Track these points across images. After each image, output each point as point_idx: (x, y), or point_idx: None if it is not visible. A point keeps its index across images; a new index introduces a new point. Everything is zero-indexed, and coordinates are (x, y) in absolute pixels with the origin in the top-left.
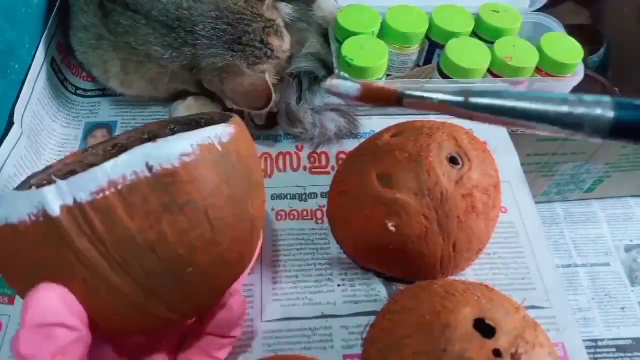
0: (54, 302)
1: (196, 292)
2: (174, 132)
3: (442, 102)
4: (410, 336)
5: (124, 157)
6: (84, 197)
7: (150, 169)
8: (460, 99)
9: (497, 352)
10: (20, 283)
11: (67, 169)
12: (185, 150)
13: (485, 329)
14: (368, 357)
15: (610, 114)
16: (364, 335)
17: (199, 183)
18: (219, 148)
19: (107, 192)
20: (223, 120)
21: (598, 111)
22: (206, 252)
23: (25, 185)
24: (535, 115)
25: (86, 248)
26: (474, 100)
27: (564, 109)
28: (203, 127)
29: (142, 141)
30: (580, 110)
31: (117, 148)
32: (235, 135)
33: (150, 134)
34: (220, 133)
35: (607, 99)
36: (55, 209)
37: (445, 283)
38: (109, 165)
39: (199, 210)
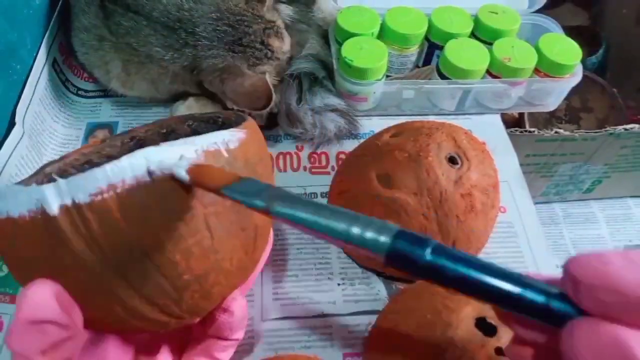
0: (47, 298)
1: (192, 298)
2: (191, 128)
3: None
4: (412, 336)
5: (125, 160)
6: (82, 198)
7: (150, 174)
8: (264, 205)
9: (498, 350)
10: (20, 276)
11: (84, 159)
12: (189, 156)
13: (486, 327)
14: (370, 357)
15: (388, 241)
16: (365, 335)
17: (201, 190)
18: (225, 154)
19: (105, 195)
20: (238, 121)
21: (381, 239)
22: (203, 260)
23: (40, 174)
24: (326, 229)
25: (82, 249)
26: (276, 208)
27: (354, 230)
28: (220, 125)
29: (160, 135)
30: (367, 234)
31: (135, 140)
32: (244, 140)
33: (169, 129)
34: (227, 138)
35: (392, 227)
36: (53, 208)
37: None
38: (109, 167)
39: (198, 217)
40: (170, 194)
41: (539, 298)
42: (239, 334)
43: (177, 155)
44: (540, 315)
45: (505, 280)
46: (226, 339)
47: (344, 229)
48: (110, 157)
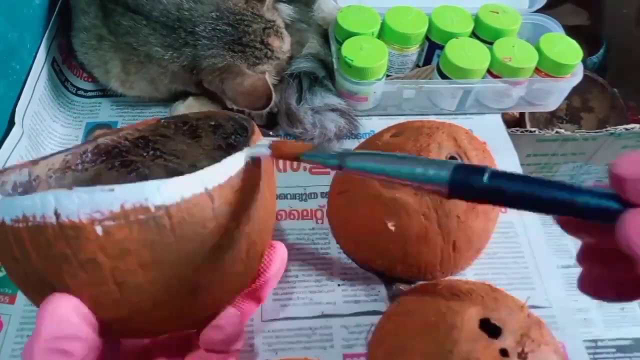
0: (69, 313)
1: (118, 328)
2: (234, 128)
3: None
4: (416, 338)
5: (39, 196)
6: (7, 220)
7: (57, 216)
8: (338, 162)
9: (503, 352)
10: None
11: (138, 134)
12: (101, 207)
13: (490, 328)
14: (374, 359)
15: (449, 173)
16: (368, 337)
17: (107, 244)
18: (152, 210)
19: (21, 225)
20: (244, 144)
21: (442, 173)
22: (114, 309)
23: (91, 142)
24: (394, 174)
25: (11, 264)
26: (348, 163)
27: (418, 170)
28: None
29: (210, 127)
30: (429, 171)
31: (188, 126)
32: (191, 201)
33: (217, 122)
34: (166, 196)
35: (451, 162)
36: None
37: (448, 284)
38: (27, 199)
39: (102, 270)
40: (73, 242)
41: (592, 200)
42: (237, 345)
43: (88, 204)
44: (595, 215)
45: (559, 189)
46: (223, 352)
47: (409, 171)
48: (165, 137)
